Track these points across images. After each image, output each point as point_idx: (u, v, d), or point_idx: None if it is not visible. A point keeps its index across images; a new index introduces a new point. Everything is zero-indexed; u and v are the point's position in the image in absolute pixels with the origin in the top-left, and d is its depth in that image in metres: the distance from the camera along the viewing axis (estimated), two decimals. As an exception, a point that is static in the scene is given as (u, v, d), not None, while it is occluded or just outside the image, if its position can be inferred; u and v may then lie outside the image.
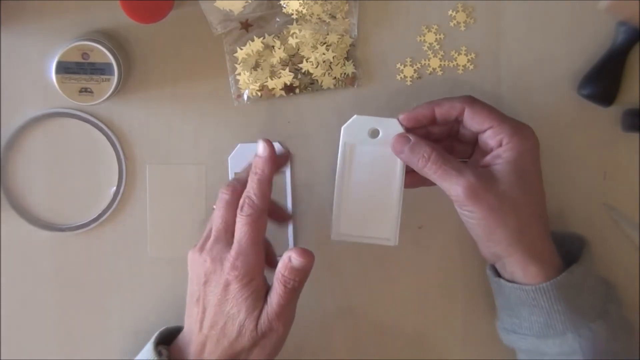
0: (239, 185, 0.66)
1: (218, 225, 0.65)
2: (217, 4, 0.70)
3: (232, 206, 0.65)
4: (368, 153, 0.67)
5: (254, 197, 0.64)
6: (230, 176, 0.73)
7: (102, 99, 0.69)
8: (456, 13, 0.72)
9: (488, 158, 0.66)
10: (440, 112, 0.67)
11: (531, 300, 0.65)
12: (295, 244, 0.74)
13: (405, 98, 0.72)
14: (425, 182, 0.66)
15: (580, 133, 0.73)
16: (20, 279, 0.74)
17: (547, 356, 0.66)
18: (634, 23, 0.70)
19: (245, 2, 0.69)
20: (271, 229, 0.74)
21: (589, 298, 0.66)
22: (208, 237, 0.66)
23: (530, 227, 0.65)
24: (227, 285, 0.63)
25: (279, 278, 0.64)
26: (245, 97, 0.72)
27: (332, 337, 0.75)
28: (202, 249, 0.65)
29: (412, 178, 0.67)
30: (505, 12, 0.72)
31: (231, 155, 0.73)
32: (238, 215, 0.64)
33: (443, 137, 0.69)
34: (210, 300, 0.64)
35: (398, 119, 0.67)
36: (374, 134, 0.67)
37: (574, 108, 0.73)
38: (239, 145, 0.73)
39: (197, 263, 0.65)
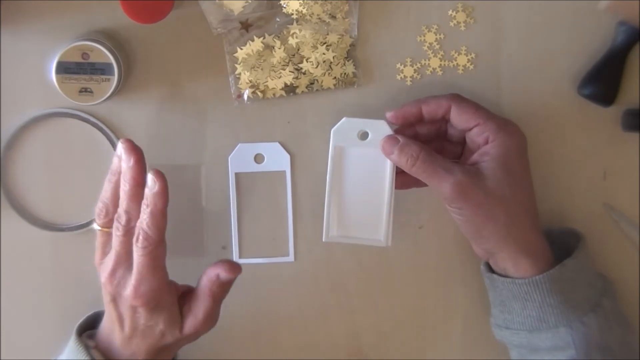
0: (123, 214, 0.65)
1: (118, 249, 0.65)
2: (217, 4, 0.70)
3: (129, 233, 0.64)
4: (358, 155, 0.67)
5: (147, 230, 0.63)
6: (231, 176, 0.73)
7: (102, 99, 0.69)
8: (456, 13, 0.72)
9: (475, 156, 0.66)
10: (427, 110, 0.67)
11: (524, 294, 0.66)
12: (294, 244, 0.74)
13: (405, 98, 0.72)
14: (417, 182, 0.67)
15: (580, 133, 0.73)
16: (20, 279, 0.74)
17: (540, 350, 0.66)
18: (634, 23, 0.70)
19: (245, 2, 0.69)
20: (271, 229, 0.74)
21: (583, 291, 0.66)
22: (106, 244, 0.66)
23: (520, 222, 0.65)
24: (134, 309, 0.65)
25: (207, 293, 0.66)
26: (245, 97, 0.72)
27: (332, 337, 0.75)
28: (100, 264, 0.67)
29: (403, 179, 0.68)
30: (505, 12, 0.72)
31: (231, 155, 0.73)
32: (134, 245, 0.64)
33: (432, 137, 0.70)
34: (124, 312, 0.65)
35: (386, 117, 0.67)
36: (364, 136, 0.67)
37: (574, 108, 0.73)
38: (239, 145, 0.73)
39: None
